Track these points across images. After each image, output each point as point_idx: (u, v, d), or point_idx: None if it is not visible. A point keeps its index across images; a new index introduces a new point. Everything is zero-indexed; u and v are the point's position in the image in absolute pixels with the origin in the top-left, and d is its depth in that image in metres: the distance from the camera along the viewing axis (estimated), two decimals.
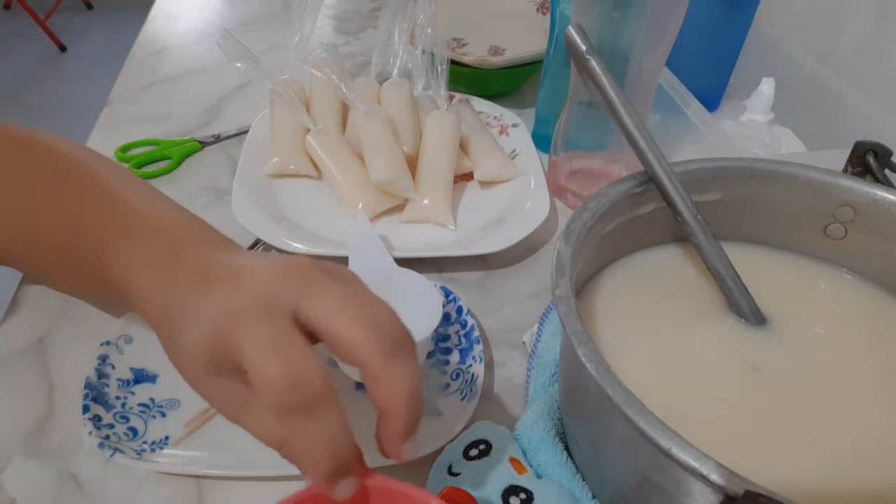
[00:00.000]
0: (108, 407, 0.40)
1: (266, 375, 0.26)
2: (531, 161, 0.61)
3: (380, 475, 0.29)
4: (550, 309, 0.46)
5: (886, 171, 0.47)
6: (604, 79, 0.38)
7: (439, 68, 0.60)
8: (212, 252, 0.32)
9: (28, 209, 0.37)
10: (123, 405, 0.40)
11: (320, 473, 0.27)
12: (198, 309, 0.29)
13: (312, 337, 0.28)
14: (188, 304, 0.29)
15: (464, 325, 0.46)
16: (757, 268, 0.40)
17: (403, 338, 0.29)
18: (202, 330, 0.28)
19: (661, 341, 0.37)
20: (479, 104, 0.69)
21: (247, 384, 0.27)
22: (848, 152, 0.49)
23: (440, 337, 0.46)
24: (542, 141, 0.64)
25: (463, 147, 0.61)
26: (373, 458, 0.38)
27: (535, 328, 0.45)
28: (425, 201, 0.56)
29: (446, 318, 0.47)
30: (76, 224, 0.35)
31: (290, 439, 0.27)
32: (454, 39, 0.75)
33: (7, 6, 2.86)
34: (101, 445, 0.37)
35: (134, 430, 0.39)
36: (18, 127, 0.39)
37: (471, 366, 0.43)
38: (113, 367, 0.42)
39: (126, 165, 0.61)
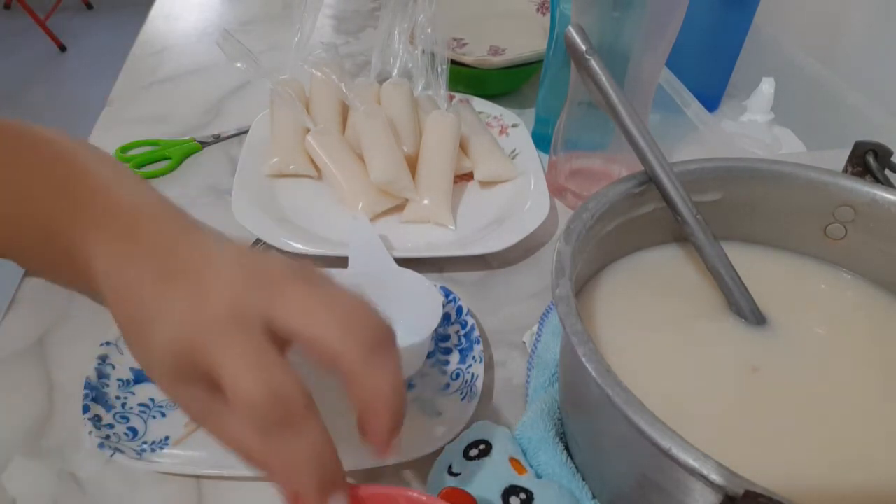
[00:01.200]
0: (108, 407, 0.40)
1: (246, 392, 0.25)
2: (531, 161, 0.61)
3: (375, 484, 0.29)
4: (550, 309, 0.46)
5: (886, 171, 0.47)
6: (604, 79, 0.38)
7: (439, 68, 0.60)
8: (170, 228, 0.31)
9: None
10: (123, 405, 0.40)
11: (311, 488, 0.26)
12: (162, 309, 0.28)
13: (285, 344, 0.28)
14: (150, 298, 0.28)
15: (464, 325, 0.46)
16: (757, 268, 0.40)
17: (383, 333, 0.28)
18: (169, 336, 0.27)
19: (661, 341, 0.37)
20: (479, 104, 0.69)
21: (217, 392, 0.27)
22: (848, 152, 0.49)
23: (440, 337, 0.46)
24: (542, 141, 0.64)
25: (463, 147, 0.61)
26: (370, 458, 0.38)
27: (535, 328, 0.45)
28: (425, 201, 0.56)
29: (446, 318, 0.47)
30: (47, 204, 0.34)
31: (273, 455, 0.27)
32: (454, 39, 0.75)
33: (7, 6, 2.86)
34: (101, 445, 0.37)
35: (134, 430, 0.39)
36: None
37: (471, 366, 0.43)
38: (113, 367, 0.42)
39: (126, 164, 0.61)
